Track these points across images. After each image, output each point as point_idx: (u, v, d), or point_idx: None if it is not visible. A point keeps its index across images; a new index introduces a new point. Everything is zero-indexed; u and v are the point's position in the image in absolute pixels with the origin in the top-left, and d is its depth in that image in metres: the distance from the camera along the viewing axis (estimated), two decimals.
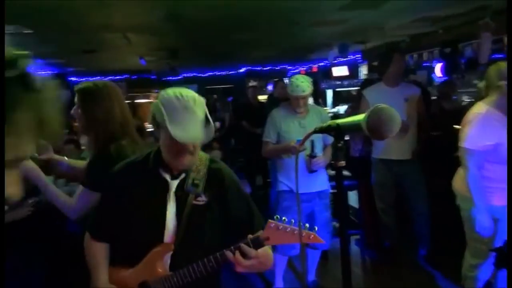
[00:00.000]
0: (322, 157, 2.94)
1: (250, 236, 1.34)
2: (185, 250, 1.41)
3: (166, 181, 1.45)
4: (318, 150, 3.01)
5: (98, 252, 1.52)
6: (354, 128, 1.07)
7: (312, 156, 2.89)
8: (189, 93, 1.37)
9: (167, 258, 1.42)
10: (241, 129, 6.12)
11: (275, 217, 1.33)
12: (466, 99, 5.72)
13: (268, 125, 3.10)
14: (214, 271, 1.37)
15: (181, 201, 1.43)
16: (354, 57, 8.34)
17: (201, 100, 1.38)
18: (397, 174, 3.62)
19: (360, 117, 1.02)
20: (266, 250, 1.38)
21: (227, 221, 1.45)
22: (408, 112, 3.46)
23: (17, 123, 0.62)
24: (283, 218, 1.33)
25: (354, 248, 4.10)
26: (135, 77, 10.87)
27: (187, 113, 1.32)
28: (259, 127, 4.50)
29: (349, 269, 1.12)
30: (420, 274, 3.45)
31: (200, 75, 11.38)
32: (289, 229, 1.29)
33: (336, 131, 1.10)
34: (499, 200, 2.24)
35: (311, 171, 2.90)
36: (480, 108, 2.30)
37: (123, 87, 9.15)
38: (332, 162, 1.15)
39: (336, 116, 7.33)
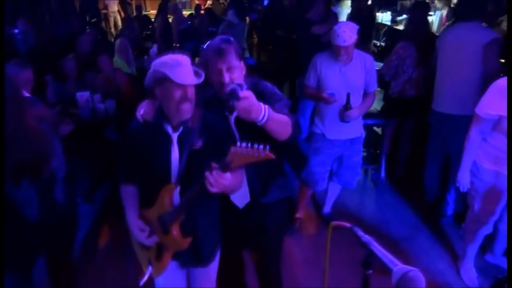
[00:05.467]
0: (356, 110, 2.99)
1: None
2: (188, 187, 1.69)
3: (169, 134, 1.74)
4: (357, 98, 3.04)
5: (127, 195, 1.91)
6: None
7: (346, 107, 2.96)
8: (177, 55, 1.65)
9: (175, 195, 1.75)
10: None
11: (238, 142, 1.45)
12: None
13: (310, 69, 3.11)
14: (202, 194, 1.59)
15: (182, 148, 1.72)
16: None
17: (187, 57, 1.65)
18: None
19: None
20: (237, 176, 1.64)
21: (220, 158, 1.57)
22: None
23: None
24: (247, 143, 1.43)
25: (369, 184, 4.39)
26: None
27: (179, 64, 1.59)
28: None
29: None
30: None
31: None
32: (249, 151, 1.42)
33: None
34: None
35: (343, 121, 3.02)
36: None
37: None
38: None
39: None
